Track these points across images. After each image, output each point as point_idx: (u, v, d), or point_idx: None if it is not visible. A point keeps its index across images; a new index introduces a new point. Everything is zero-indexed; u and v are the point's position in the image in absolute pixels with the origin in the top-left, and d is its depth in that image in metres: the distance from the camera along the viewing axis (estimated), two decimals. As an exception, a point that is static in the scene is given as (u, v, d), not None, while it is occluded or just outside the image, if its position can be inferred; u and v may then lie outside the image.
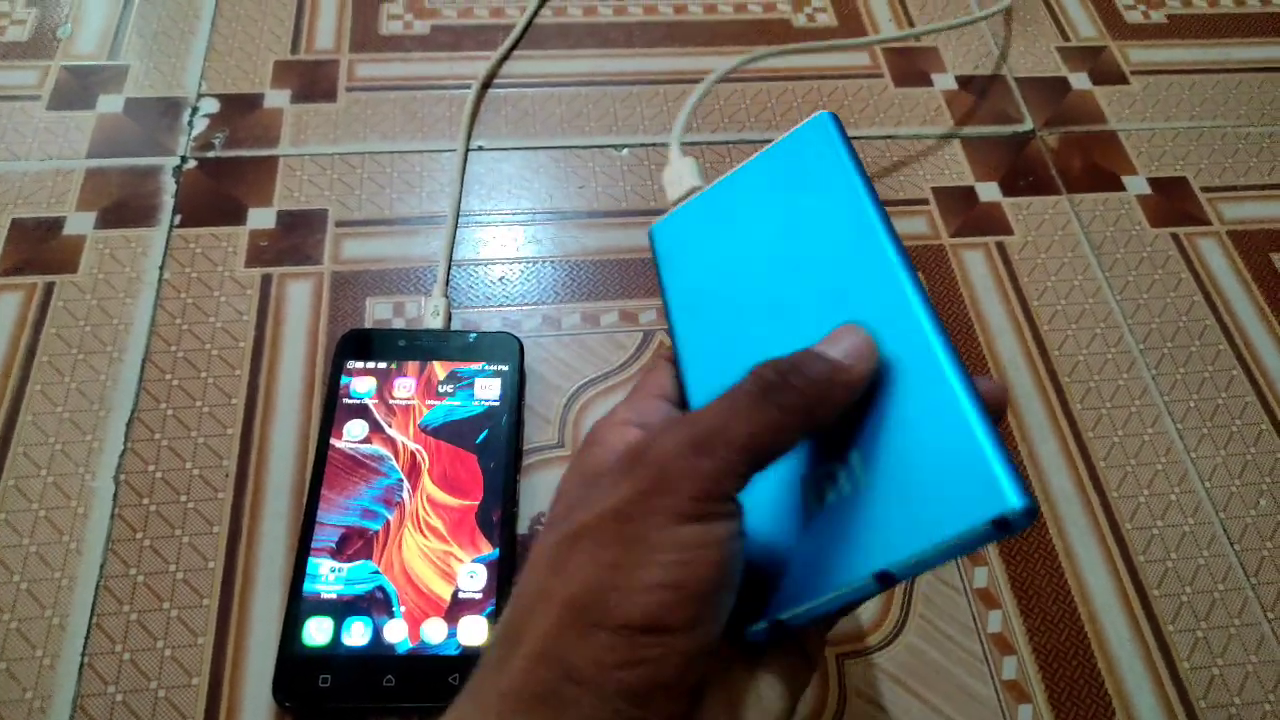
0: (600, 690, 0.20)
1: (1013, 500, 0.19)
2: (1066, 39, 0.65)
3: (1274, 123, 0.61)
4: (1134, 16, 0.66)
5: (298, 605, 0.39)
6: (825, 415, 0.22)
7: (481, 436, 0.43)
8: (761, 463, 0.22)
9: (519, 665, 0.21)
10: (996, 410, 0.23)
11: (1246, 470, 0.47)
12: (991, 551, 0.43)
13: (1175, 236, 0.55)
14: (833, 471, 0.23)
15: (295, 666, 0.37)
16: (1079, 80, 0.62)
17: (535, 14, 0.61)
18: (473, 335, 0.46)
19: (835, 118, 0.29)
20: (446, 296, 0.48)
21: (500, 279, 0.50)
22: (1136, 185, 0.57)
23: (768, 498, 0.24)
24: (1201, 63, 0.64)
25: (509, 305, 0.49)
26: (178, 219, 0.50)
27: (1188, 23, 0.66)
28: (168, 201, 0.51)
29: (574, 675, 0.20)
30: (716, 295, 0.29)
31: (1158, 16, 0.66)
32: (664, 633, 0.20)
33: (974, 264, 0.53)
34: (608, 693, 0.20)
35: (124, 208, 0.51)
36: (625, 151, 0.56)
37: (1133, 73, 0.63)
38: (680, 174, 0.45)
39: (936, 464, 0.20)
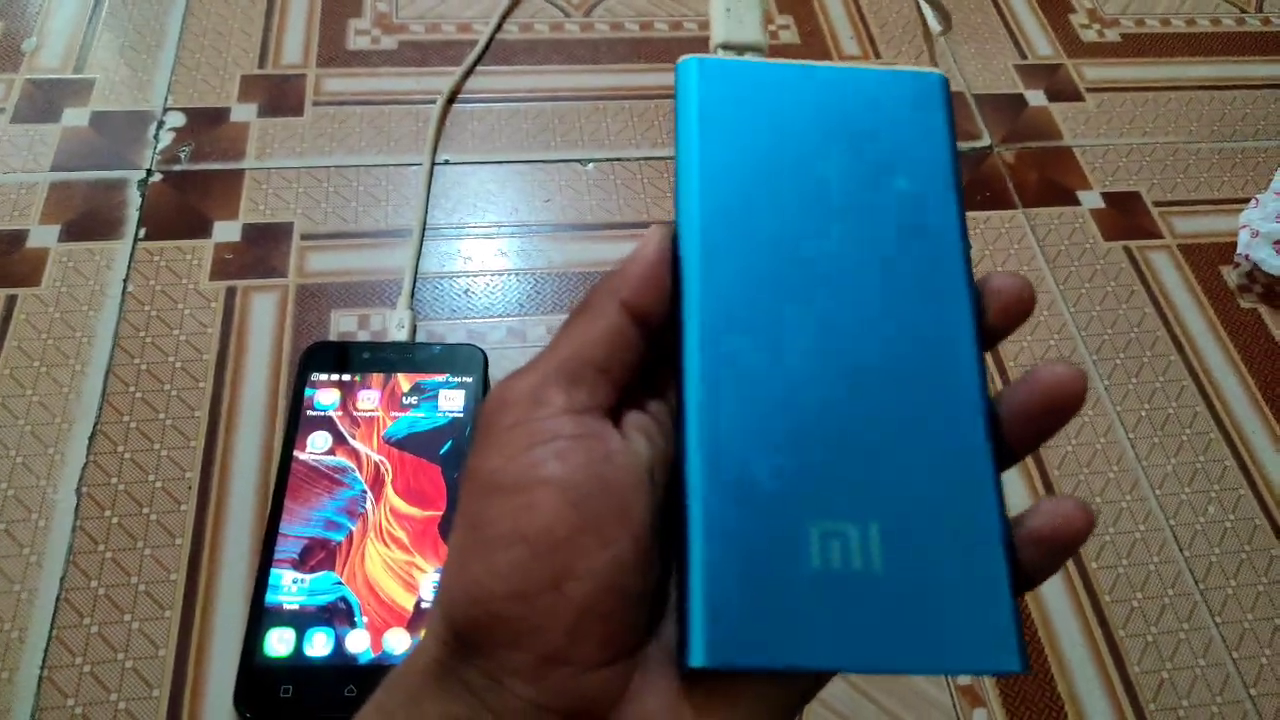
0: (495, 670, 0.19)
1: (1015, 664, 0.19)
2: (1024, 57, 0.66)
3: (1224, 139, 0.63)
4: (1089, 35, 0.68)
5: (259, 616, 0.39)
6: (609, 293, 0.21)
7: (445, 448, 0.43)
8: (576, 365, 0.20)
9: (424, 651, 0.20)
10: (1022, 311, 0.22)
11: (1196, 478, 0.48)
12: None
13: (1128, 250, 0.57)
14: (843, 531, 0.20)
15: (257, 677, 0.37)
16: (1035, 97, 0.64)
17: (498, 29, 0.62)
18: (437, 348, 0.47)
19: (947, 83, 0.25)
20: (411, 309, 0.49)
21: (466, 292, 0.50)
22: (1091, 200, 0.59)
23: (761, 534, 0.21)
24: (1154, 80, 0.66)
25: (474, 318, 0.49)
26: (142, 232, 0.50)
27: (1141, 42, 0.68)
28: (132, 215, 0.51)
29: (465, 656, 0.19)
30: (756, 220, 0.23)
31: (1112, 35, 0.68)
32: (525, 598, 0.18)
33: (933, 277, 0.54)
34: (503, 671, 0.19)
35: (88, 221, 0.51)
36: (591, 166, 0.56)
37: (1088, 90, 0.65)
38: (739, 10, 0.32)
39: (956, 592, 0.20)
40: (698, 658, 0.18)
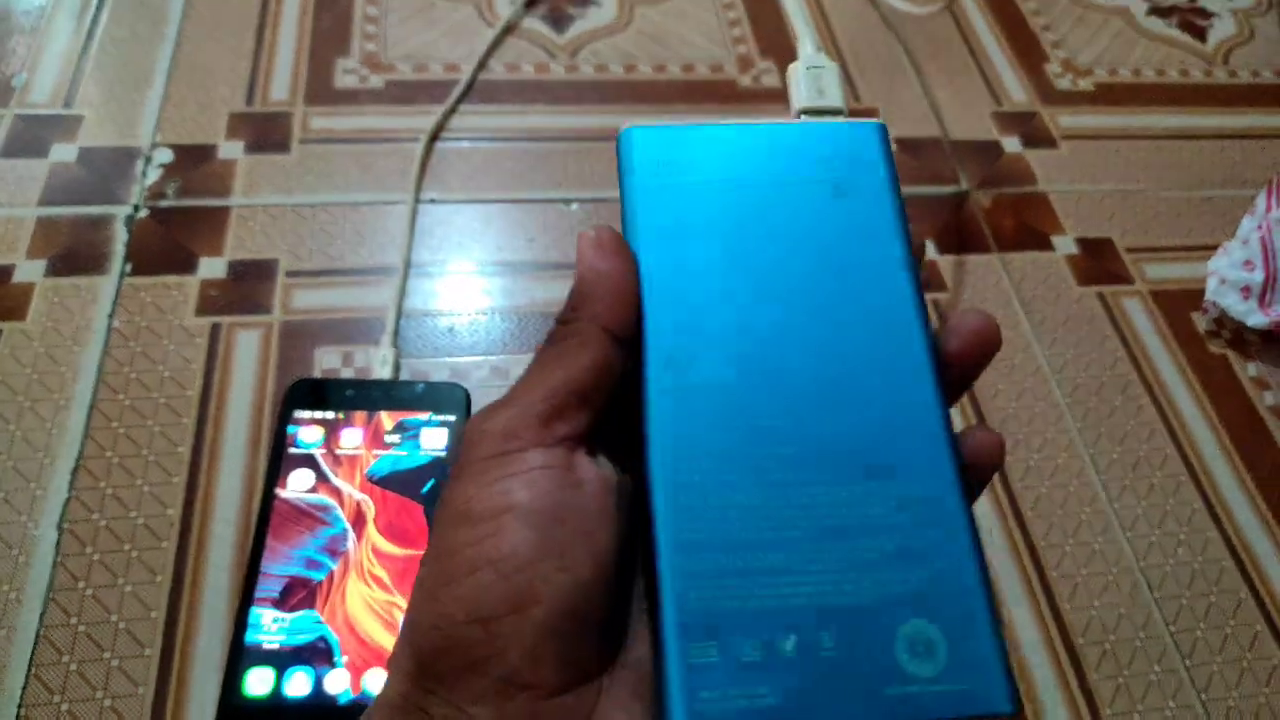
0: (457, 698, 0.19)
1: (1005, 705, 0.19)
2: (1000, 104, 0.68)
3: (1194, 188, 0.64)
4: (1063, 84, 0.70)
5: (239, 656, 0.39)
6: (591, 319, 0.22)
7: (428, 486, 0.44)
8: (560, 398, 0.21)
9: (389, 688, 0.20)
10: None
11: (1165, 520, 0.49)
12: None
13: (1101, 295, 0.58)
14: (812, 588, 0.20)
15: (235, 717, 0.37)
16: (1011, 144, 0.65)
17: (480, 68, 0.63)
18: (420, 385, 0.47)
19: (885, 132, 0.26)
20: (395, 346, 0.49)
21: (449, 330, 0.51)
22: (1065, 245, 0.60)
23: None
24: (1127, 129, 0.68)
25: (458, 356, 0.50)
26: (129, 267, 0.51)
27: (1113, 91, 0.70)
28: (119, 250, 0.51)
29: (429, 687, 0.19)
30: (701, 255, 0.24)
31: (1085, 84, 0.70)
32: (490, 620, 0.19)
33: (910, 319, 0.55)
34: (465, 699, 0.19)
35: (75, 256, 0.51)
36: (575, 206, 0.57)
37: (1062, 137, 0.66)
38: (821, 78, 0.32)
39: (942, 630, 0.20)
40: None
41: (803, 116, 0.30)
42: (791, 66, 0.32)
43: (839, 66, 0.30)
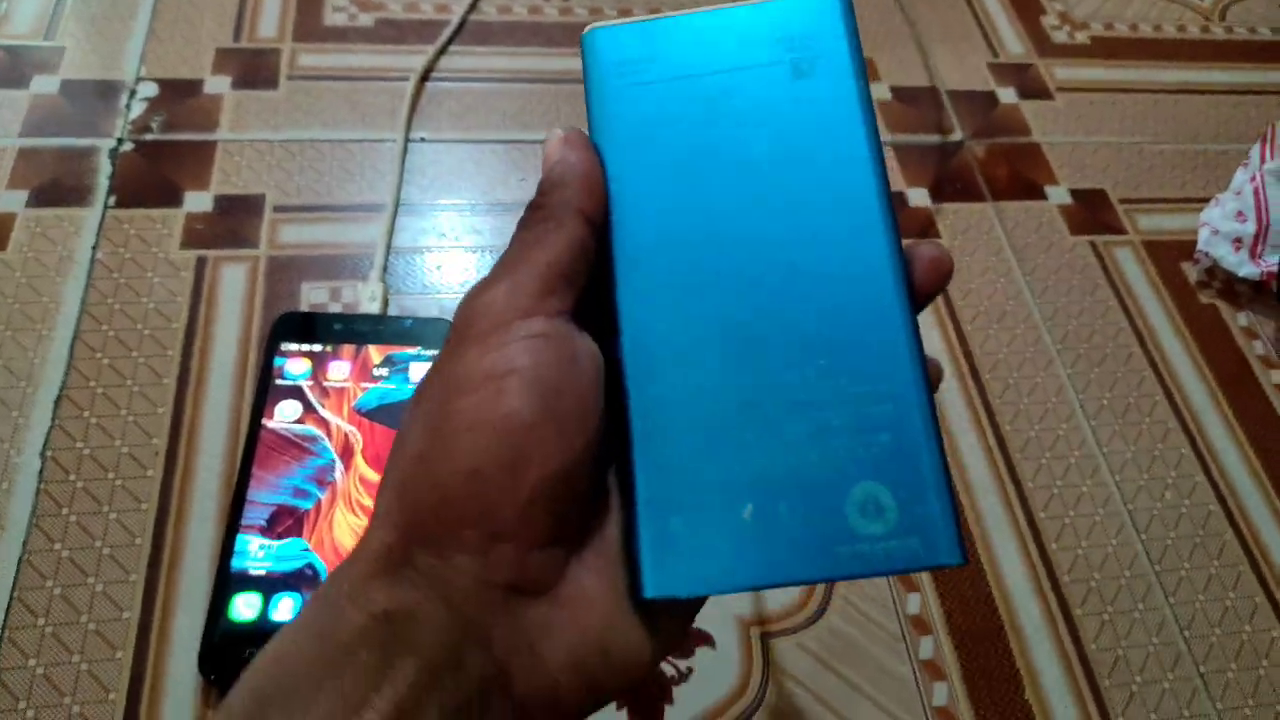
0: (445, 548, 0.19)
1: (952, 556, 0.20)
2: (996, 56, 0.67)
3: (1187, 141, 0.64)
4: (1060, 36, 0.69)
5: (226, 581, 0.39)
6: (566, 202, 0.22)
7: (416, 419, 0.43)
8: (549, 273, 0.21)
9: (371, 540, 0.20)
10: (936, 284, 0.23)
11: (1154, 465, 0.49)
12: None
13: (1093, 244, 0.58)
14: (771, 448, 0.21)
15: (222, 641, 0.37)
16: (1007, 95, 0.65)
17: (471, 8, 0.62)
18: (409, 321, 0.47)
19: (849, 3, 0.26)
20: (384, 282, 0.49)
21: (438, 267, 0.50)
22: (1058, 195, 0.60)
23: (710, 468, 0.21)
24: (1122, 82, 0.67)
25: (447, 293, 0.50)
26: (112, 200, 0.50)
27: (1110, 44, 0.70)
28: (102, 183, 0.51)
29: (417, 538, 0.20)
30: (664, 151, 0.24)
31: (1082, 38, 0.69)
32: (483, 478, 0.19)
33: (902, 265, 0.55)
34: (452, 548, 0.19)
35: (57, 187, 0.50)
36: (567, 147, 0.56)
37: (1057, 89, 0.66)
38: None
39: (891, 492, 0.21)
40: (650, 590, 0.20)
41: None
42: None
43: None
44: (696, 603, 0.22)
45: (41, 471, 0.41)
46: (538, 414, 0.19)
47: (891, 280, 0.22)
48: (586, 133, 0.24)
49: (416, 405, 0.21)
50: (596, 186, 0.23)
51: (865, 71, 0.25)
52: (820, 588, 0.43)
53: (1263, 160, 0.57)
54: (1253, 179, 0.57)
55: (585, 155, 0.23)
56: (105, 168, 0.51)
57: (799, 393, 0.21)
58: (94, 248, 0.48)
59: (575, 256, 0.22)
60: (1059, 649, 0.43)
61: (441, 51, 0.59)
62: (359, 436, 0.43)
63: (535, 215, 0.22)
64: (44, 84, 0.54)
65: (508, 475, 0.19)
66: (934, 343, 0.52)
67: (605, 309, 0.22)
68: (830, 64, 0.25)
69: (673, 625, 0.22)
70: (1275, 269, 0.54)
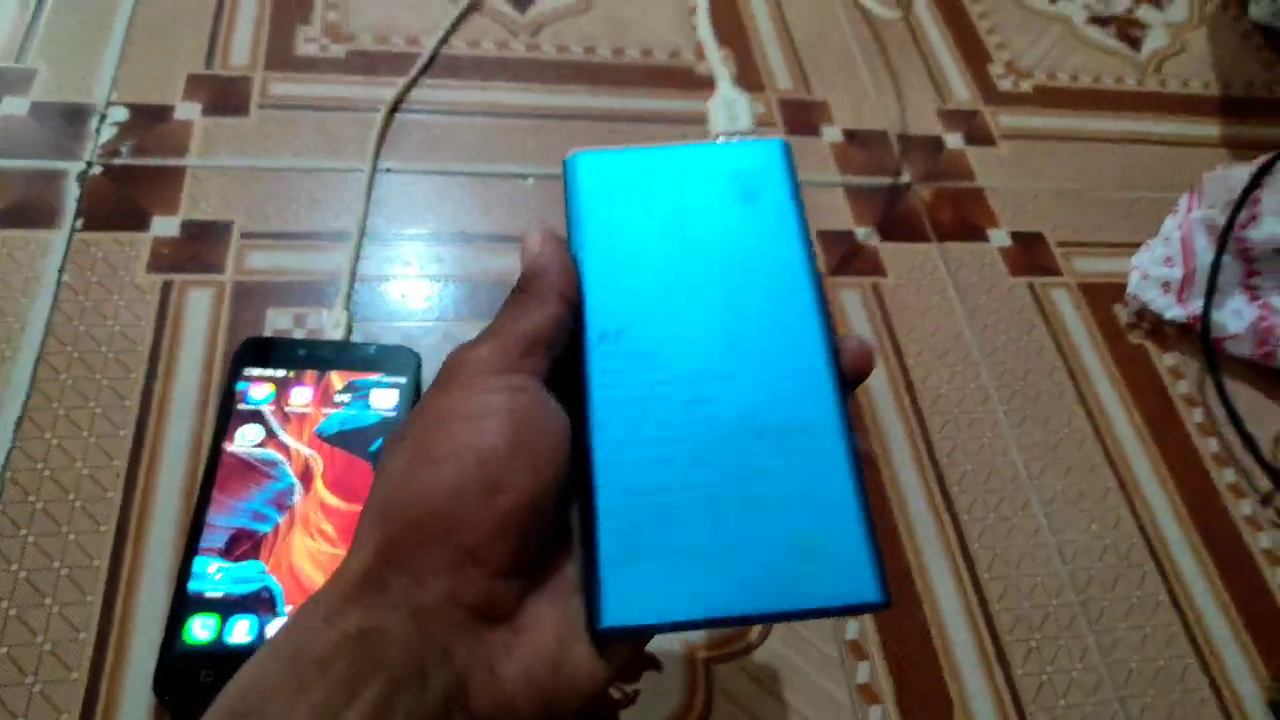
0: (418, 568, 0.22)
1: (875, 595, 0.24)
2: (945, 102, 0.70)
3: (1123, 189, 0.68)
4: (1005, 85, 0.73)
5: (182, 603, 0.39)
6: (549, 286, 0.26)
7: (376, 445, 0.45)
8: (530, 340, 0.25)
9: (349, 564, 0.23)
10: (861, 372, 0.27)
11: (1081, 499, 0.52)
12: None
13: (1031, 285, 0.61)
14: (718, 502, 0.25)
15: (177, 663, 0.38)
16: (953, 140, 0.68)
17: (443, 42, 0.64)
18: (372, 348, 0.48)
19: (788, 148, 0.31)
20: (348, 309, 0.50)
21: (402, 295, 0.52)
22: (999, 238, 0.63)
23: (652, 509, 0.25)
24: (1063, 131, 0.71)
25: (410, 321, 0.51)
26: (80, 223, 0.51)
27: (1052, 94, 0.73)
28: (70, 205, 0.51)
29: (393, 559, 0.22)
30: (632, 254, 0.29)
31: (1026, 86, 0.73)
32: (461, 497, 0.22)
33: (851, 302, 0.57)
34: (426, 569, 0.22)
35: (24, 209, 0.51)
36: (530, 181, 0.58)
37: (1001, 136, 0.69)
38: (734, 107, 0.43)
39: (823, 543, 0.24)
40: (607, 620, 0.23)
41: (720, 137, 0.37)
42: (711, 99, 0.44)
43: (749, 97, 0.43)
44: (646, 634, 0.25)
45: (0, 493, 0.42)
46: (513, 446, 0.23)
47: (825, 368, 0.27)
48: (565, 237, 0.29)
49: (401, 438, 0.24)
50: (573, 276, 0.27)
51: (801, 199, 0.30)
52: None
53: (1189, 209, 0.60)
54: (1180, 226, 0.60)
55: (562, 250, 0.28)
56: (73, 191, 0.52)
57: (743, 463, 0.25)
58: (60, 270, 0.49)
59: (554, 329, 0.26)
60: (988, 674, 0.45)
61: (412, 84, 0.61)
62: (319, 461, 0.44)
63: (520, 295, 0.26)
64: (14, 105, 0.55)
65: (484, 498, 0.22)
66: (879, 378, 0.54)
67: (575, 378, 0.26)
68: (773, 193, 0.30)
69: (624, 651, 0.24)
70: (1199, 313, 0.57)
